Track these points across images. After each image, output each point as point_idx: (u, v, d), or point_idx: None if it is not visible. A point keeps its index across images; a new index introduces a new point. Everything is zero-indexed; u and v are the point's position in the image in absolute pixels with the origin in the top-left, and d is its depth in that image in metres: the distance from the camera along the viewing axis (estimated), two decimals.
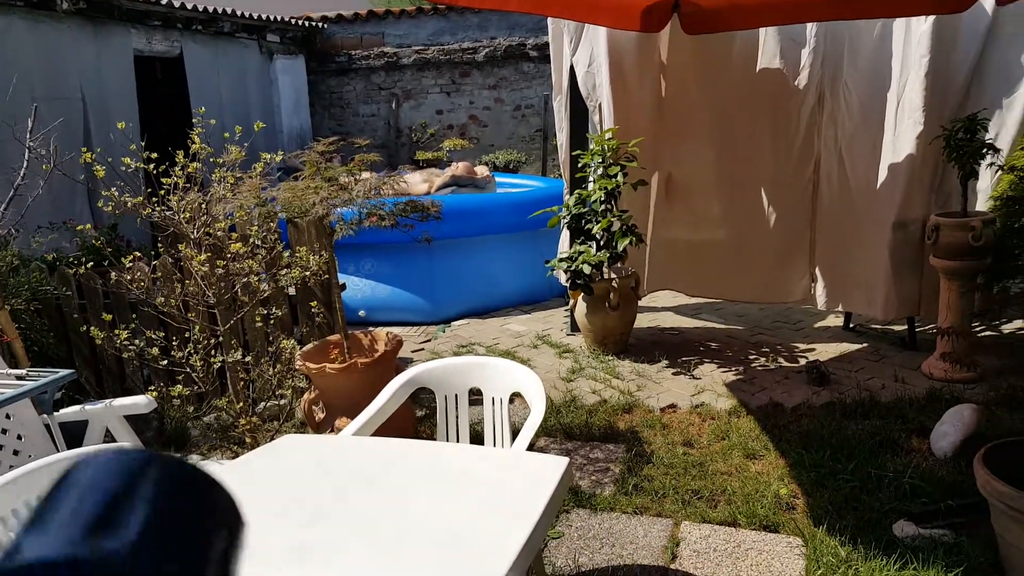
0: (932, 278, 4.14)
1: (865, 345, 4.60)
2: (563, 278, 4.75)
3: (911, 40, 4.05)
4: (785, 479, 3.02)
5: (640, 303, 4.94)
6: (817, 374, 4.01)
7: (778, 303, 5.18)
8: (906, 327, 4.55)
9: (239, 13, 8.17)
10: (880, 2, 3.56)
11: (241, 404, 3.25)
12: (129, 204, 2.87)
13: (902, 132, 4.17)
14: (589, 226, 4.57)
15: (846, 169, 4.50)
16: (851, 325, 4.92)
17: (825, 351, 4.53)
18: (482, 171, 7.05)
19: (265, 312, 3.59)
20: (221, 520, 0.29)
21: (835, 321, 5.08)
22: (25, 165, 3.23)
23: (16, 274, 4.11)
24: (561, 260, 4.66)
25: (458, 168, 6.86)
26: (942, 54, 3.98)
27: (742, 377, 4.18)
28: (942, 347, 3.97)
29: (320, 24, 9.67)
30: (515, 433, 2.34)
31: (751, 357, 4.50)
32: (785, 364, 4.37)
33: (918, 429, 3.35)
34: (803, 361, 4.37)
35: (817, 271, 4.81)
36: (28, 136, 3.35)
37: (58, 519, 0.26)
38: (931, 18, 3.91)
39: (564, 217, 4.74)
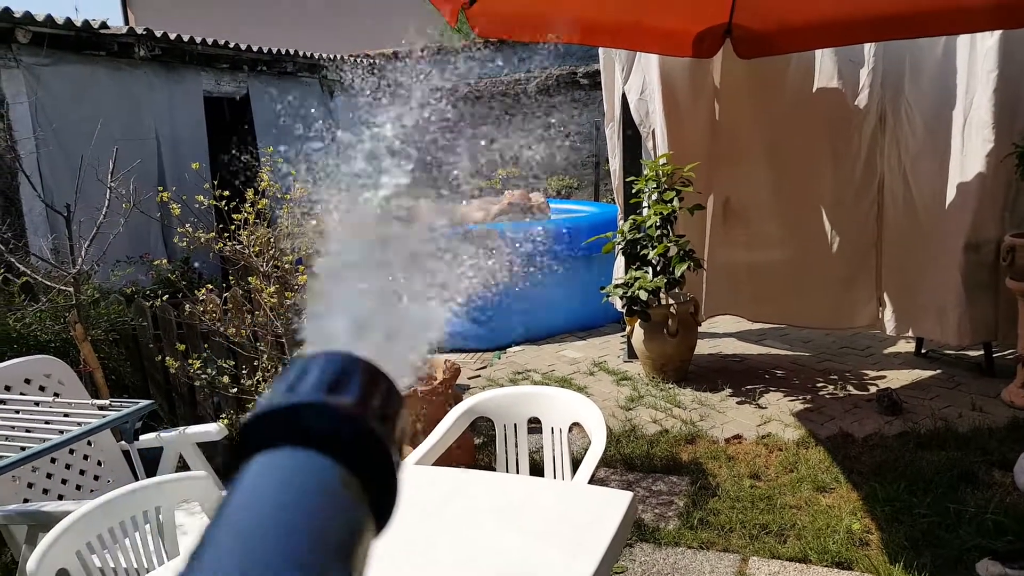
0: (1009, 301, 3.97)
1: (939, 372, 4.43)
2: (619, 304, 4.72)
3: (976, 56, 3.94)
4: (858, 513, 2.92)
5: (700, 329, 4.87)
6: (889, 402, 3.87)
7: (845, 328, 5.03)
8: (982, 352, 4.36)
9: (301, 53, 8.50)
10: (936, 21, 3.50)
11: None
12: (202, 239, 3.00)
13: (971, 150, 4.04)
14: (645, 251, 4.55)
15: (912, 190, 4.38)
16: (923, 351, 4.75)
17: (896, 378, 4.37)
18: (537, 198, 7.11)
19: None
20: (400, 398, 0.41)
21: (906, 347, 4.91)
22: (107, 205, 3.41)
23: (96, 306, 4.32)
24: (617, 286, 4.64)
25: (513, 195, 6.94)
26: (1011, 68, 3.86)
27: (810, 406, 4.07)
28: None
29: (377, 61, 9.98)
30: (575, 463, 2.33)
31: (819, 385, 4.37)
32: (855, 392, 4.23)
33: (1000, 461, 3.19)
34: (873, 389, 4.23)
35: (885, 295, 4.67)
36: (109, 177, 3.54)
37: (304, 385, 0.38)
38: (997, 33, 3.80)
39: (619, 243, 4.73)
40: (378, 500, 0.38)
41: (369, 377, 0.40)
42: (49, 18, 5.49)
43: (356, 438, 0.37)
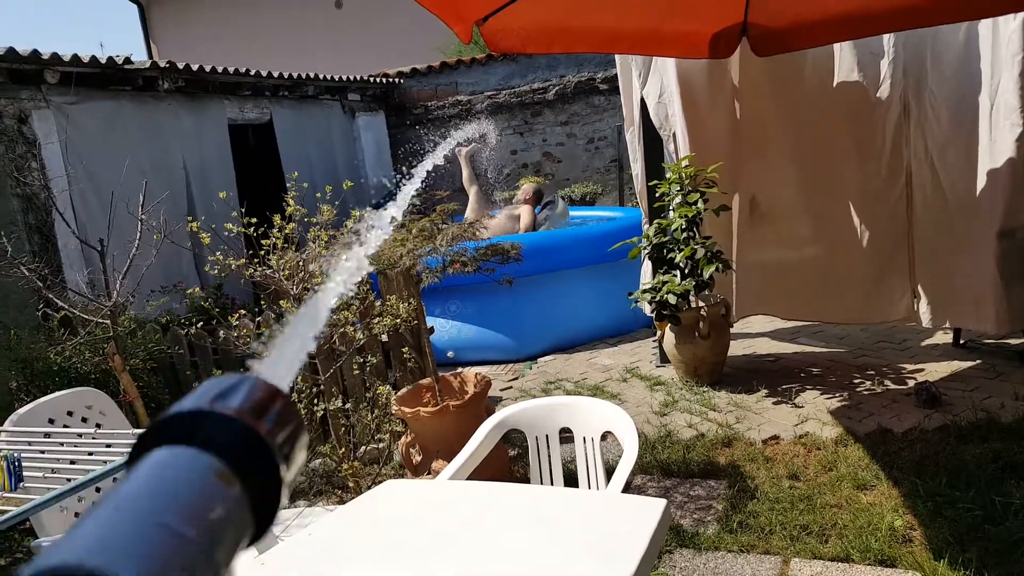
0: None
1: (978, 362, 4.34)
2: (647, 309, 4.70)
3: (1000, 40, 3.87)
4: (900, 510, 2.86)
5: (733, 330, 4.82)
6: (928, 396, 3.80)
7: (880, 322, 4.95)
8: (1023, 340, 4.26)
9: (322, 76, 8.62)
10: (956, 6, 3.44)
11: (343, 449, 3.36)
12: (233, 266, 3.06)
13: (999, 136, 3.96)
14: (672, 255, 4.52)
15: (940, 179, 4.31)
16: (962, 341, 4.65)
17: (935, 371, 4.29)
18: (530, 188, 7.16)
19: (361, 360, 3.72)
20: (293, 414, 0.44)
21: (944, 338, 4.81)
22: (139, 237, 3.50)
23: (133, 337, 4.43)
24: (644, 291, 4.62)
25: (528, 194, 6.95)
26: None
27: (847, 403, 4.01)
28: None
29: (397, 80, 10.06)
30: (609, 471, 2.32)
31: (856, 381, 4.31)
32: (892, 387, 4.16)
33: None
34: (912, 383, 4.16)
35: (919, 287, 4.58)
36: (140, 209, 3.63)
37: (190, 398, 0.42)
38: (1021, 15, 3.73)
39: (645, 248, 4.71)
40: (259, 498, 0.40)
41: (255, 388, 0.43)
42: (75, 57, 5.64)
43: (233, 437, 0.40)
